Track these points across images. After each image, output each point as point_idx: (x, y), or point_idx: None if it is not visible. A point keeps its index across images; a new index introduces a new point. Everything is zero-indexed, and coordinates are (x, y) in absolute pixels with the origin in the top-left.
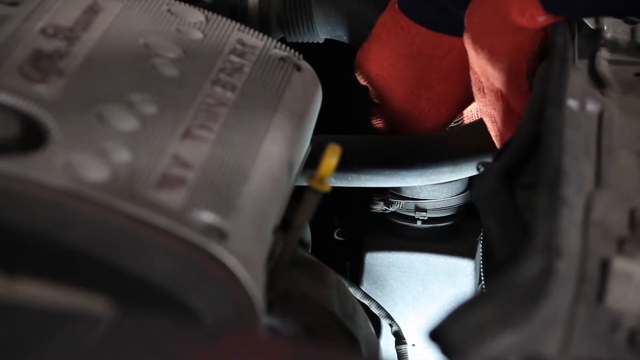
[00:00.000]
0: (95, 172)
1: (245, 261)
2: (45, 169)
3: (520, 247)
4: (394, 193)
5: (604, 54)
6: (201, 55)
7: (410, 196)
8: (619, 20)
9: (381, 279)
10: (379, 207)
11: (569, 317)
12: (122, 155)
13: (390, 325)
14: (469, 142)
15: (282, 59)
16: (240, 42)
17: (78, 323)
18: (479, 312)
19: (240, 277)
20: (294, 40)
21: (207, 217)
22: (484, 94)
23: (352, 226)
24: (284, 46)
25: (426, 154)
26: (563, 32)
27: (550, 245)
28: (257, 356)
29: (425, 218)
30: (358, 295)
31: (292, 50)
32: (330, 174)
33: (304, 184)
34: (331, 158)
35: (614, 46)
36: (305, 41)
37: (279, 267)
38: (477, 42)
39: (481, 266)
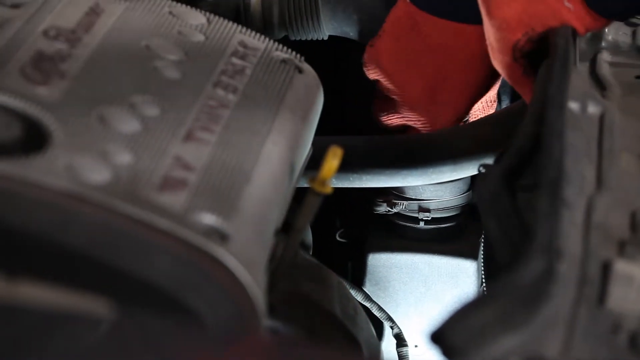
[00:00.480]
0: (96, 174)
1: (247, 263)
2: (46, 170)
3: (521, 248)
4: (397, 194)
5: (605, 57)
6: (203, 58)
7: (413, 197)
8: (621, 22)
9: (383, 280)
10: (382, 208)
11: (570, 318)
12: (124, 157)
13: (392, 327)
14: (470, 141)
15: (284, 61)
16: (242, 44)
17: (79, 324)
18: (480, 314)
19: (242, 279)
20: (298, 38)
21: (208, 219)
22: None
23: (354, 227)
24: (285, 48)
25: (427, 154)
26: (564, 35)
27: (551, 246)
28: (258, 358)
29: (428, 218)
30: (359, 297)
31: (294, 53)
32: (332, 176)
33: (306, 185)
34: (333, 160)
35: (615, 49)
36: (308, 39)
37: (280, 269)
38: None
39: (482, 268)
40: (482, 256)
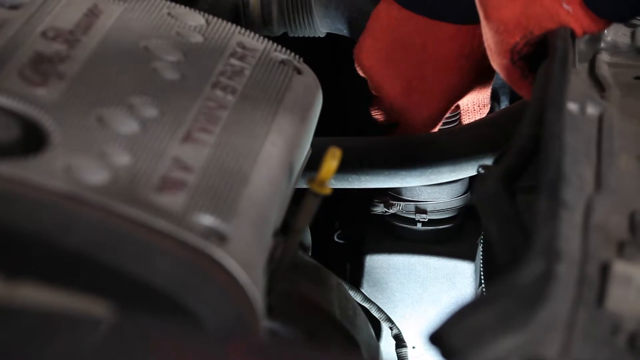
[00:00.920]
0: (95, 175)
1: (246, 264)
2: (45, 172)
3: (521, 250)
4: (394, 195)
5: (604, 57)
6: (201, 59)
7: (410, 198)
8: (619, 23)
9: (381, 282)
10: (379, 209)
11: (569, 320)
12: (123, 159)
13: (391, 328)
14: (469, 142)
15: (283, 62)
16: (241, 45)
17: (78, 326)
18: (480, 315)
19: (241, 280)
20: (296, 35)
21: (207, 220)
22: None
23: (352, 229)
24: (284, 49)
25: (426, 154)
26: (563, 35)
27: (550, 248)
28: (257, 359)
29: (425, 220)
30: (358, 298)
31: (293, 53)
32: (331, 177)
33: (305, 186)
34: (331, 161)
35: (614, 49)
36: (307, 35)
37: (279, 270)
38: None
39: (482, 269)
40: (481, 257)
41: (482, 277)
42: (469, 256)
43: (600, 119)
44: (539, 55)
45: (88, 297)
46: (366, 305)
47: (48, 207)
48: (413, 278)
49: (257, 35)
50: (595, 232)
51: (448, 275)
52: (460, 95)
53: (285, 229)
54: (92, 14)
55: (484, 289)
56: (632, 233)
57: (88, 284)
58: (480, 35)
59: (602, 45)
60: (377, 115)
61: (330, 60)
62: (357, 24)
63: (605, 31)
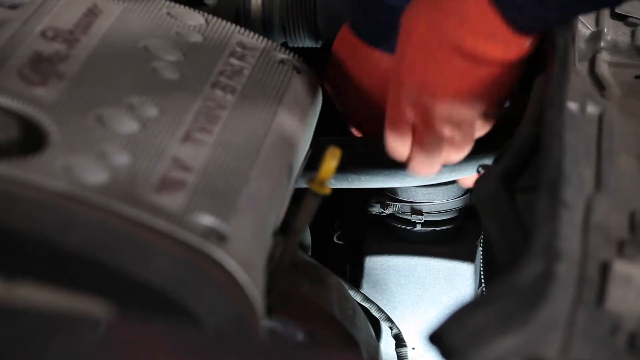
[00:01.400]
0: (94, 175)
1: (245, 264)
2: (44, 172)
3: (520, 250)
4: (390, 195)
5: (604, 57)
6: (201, 58)
7: (406, 199)
8: (620, 22)
9: (381, 283)
10: (376, 209)
11: (569, 319)
12: (122, 158)
13: (391, 328)
14: None
15: (282, 61)
16: (240, 44)
17: (78, 326)
18: (479, 315)
19: (240, 280)
20: (295, 45)
21: (206, 220)
22: None
23: (351, 230)
24: (283, 49)
25: None
26: (563, 35)
27: (550, 248)
28: (257, 359)
29: (421, 221)
30: (358, 298)
31: (292, 53)
32: (331, 177)
33: (304, 186)
34: (331, 161)
35: (614, 49)
36: (306, 46)
37: (279, 269)
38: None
39: (481, 269)
40: (480, 257)
41: (482, 278)
42: (469, 257)
43: (601, 118)
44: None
45: (88, 297)
46: (366, 305)
47: (47, 207)
48: (413, 279)
49: (256, 35)
50: (595, 231)
51: (448, 276)
52: None
53: (285, 229)
54: (92, 13)
55: (483, 289)
56: (632, 232)
57: (87, 284)
58: None
59: (602, 44)
60: (354, 131)
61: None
62: None
63: (605, 30)
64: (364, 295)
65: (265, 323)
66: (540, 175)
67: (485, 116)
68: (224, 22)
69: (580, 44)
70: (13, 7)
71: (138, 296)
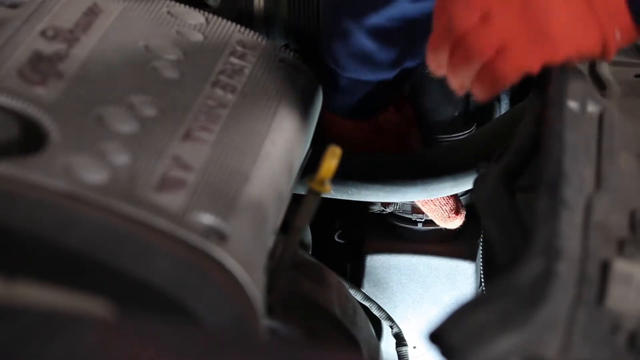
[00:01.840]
0: (94, 174)
1: (246, 263)
2: (45, 171)
3: (520, 249)
4: None
5: None
6: (201, 57)
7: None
8: None
9: (382, 281)
10: (377, 207)
11: (569, 319)
12: (122, 158)
13: (391, 327)
14: (469, 155)
15: (282, 60)
16: (241, 43)
17: (78, 326)
18: (480, 314)
19: (240, 279)
20: (298, 47)
21: (207, 219)
22: None
23: (352, 228)
24: (284, 48)
25: (427, 171)
26: None
27: (550, 247)
28: (257, 358)
29: (422, 220)
30: (359, 297)
31: (292, 53)
32: (331, 176)
33: (304, 188)
34: (331, 160)
35: None
36: (309, 48)
37: (279, 269)
38: None
39: (481, 268)
40: (481, 257)
41: (482, 277)
42: (470, 256)
43: (601, 117)
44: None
45: (87, 296)
46: (366, 304)
47: (47, 206)
48: (414, 278)
49: (257, 34)
50: (596, 230)
51: (449, 275)
52: None
53: (286, 228)
54: (92, 12)
55: (484, 289)
56: (632, 232)
57: (88, 284)
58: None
59: None
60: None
61: None
62: None
63: None
64: (365, 294)
65: (266, 322)
66: (541, 174)
67: None
68: (225, 21)
69: None
70: (13, 6)
71: (138, 296)
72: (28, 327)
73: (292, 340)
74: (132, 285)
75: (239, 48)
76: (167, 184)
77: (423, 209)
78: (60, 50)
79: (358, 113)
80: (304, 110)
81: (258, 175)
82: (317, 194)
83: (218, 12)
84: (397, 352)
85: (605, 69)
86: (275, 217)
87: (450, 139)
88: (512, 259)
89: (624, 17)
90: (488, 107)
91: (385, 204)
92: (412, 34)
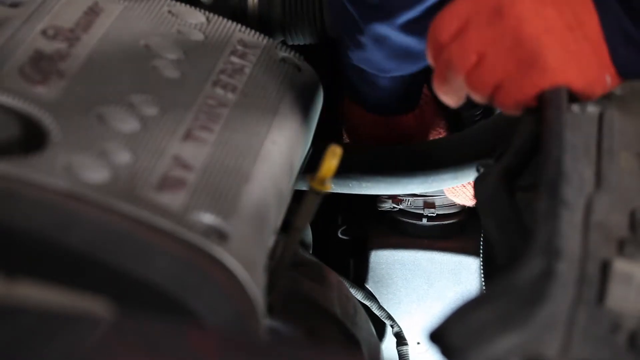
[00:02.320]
0: (95, 173)
1: (246, 262)
2: (45, 170)
3: (520, 249)
4: None
5: None
6: (202, 57)
7: (419, 193)
8: None
9: (386, 277)
10: (387, 205)
11: (569, 318)
12: (123, 157)
13: (392, 326)
14: (470, 148)
15: (283, 59)
16: (241, 43)
17: (78, 325)
18: (480, 314)
19: (241, 279)
20: (295, 43)
21: (207, 218)
22: None
23: (356, 225)
24: (284, 47)
25: (427, 162)
26: None
27: (550, 246)
28: (257, 358)
29: (434, 215)
30: (359, 296)
31: (293, 52)
32: (331, 175)
33: (305, 188)
34: (332, 159)
35: None
36: (306, 43)
37: (279, 268)
38: None
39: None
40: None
41: (482, 276)
42: (475, 251)
43: (601, 117)
44: None
45: (87, 295)
46: (367, 303)
47: (48, 205)
48: (418, 273)
49: (257, 33)
50: (596, 230)
51: (453, 270)
52: None
53: (286, 227)
54: (93, 12)
55: (484, 288)
56: (632, 231)
57: (88, 283)
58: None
59: None
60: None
61: (330, 58)
62: None
63: None
64: (365, 293)
65: (266, 322)
66: (541, 174)
67: None
68: (225, 20)
69: None
70: (14, 5)
71: (138, 295)
72: (28, 327)
73: (292, 339)
74: (133, 284)
75: (239, 47)
76: (167, 183)
77: (447, 192)
78: (61, 50)
79: (395, 108)
80: (305, 109)
81: (259, 175)
82: (318, 193)
83: (211, 9)
84: (398, 351)
85: None
86: (275, 217)
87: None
88: (512, 259)
89: (611, 64)
90: None
91: (397, 202)
92: None
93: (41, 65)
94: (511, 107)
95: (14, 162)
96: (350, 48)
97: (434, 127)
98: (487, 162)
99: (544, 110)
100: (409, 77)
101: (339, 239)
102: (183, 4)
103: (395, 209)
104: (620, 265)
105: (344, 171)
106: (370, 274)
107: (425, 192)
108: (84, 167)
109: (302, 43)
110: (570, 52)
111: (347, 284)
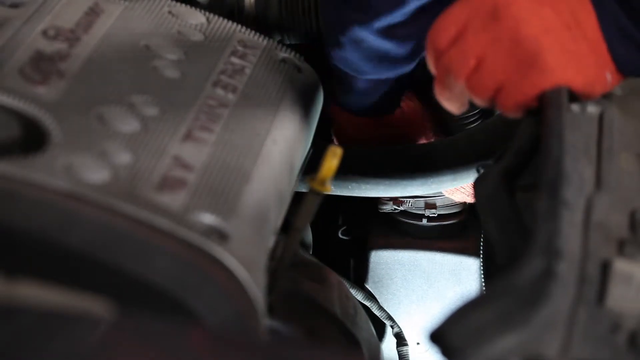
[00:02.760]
0: (95, 173)
1: (246, 263)
2: (46, 170)
3: (520, 249)
4: None
5: None
6: (202, 57)
7: (420, 194)
8: None
9: (386, 277)
10: (389, 207)
11: (569, 318)
12: (123, 157)
13: (392, 326)
14: (469, 150)
15: (283, 60)
16: (242, 43)
17: (79, 325)
18: (480, 314)
19: (241, 279)
20: (291, 42)
21: (207, 218)
22: None
23: (356, 225)
24: (285, 48)
25: (427, 164)
26: None
27: (550, 247)
28: (258, 358)
29: (435, 215)
30: (360, 297)
31: (293, 52)
32: (331, 176)
33: (305, 189)
34: (332, 160)
35: None
36: (303, 42)
37: (280, 268)
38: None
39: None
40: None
41: (482, 276)
42: (475, 251)
43: (601, 117)
44: None
45: (88, 295)
46: (367, 303)
47: (49, 206)
48: (418, 274)
49: (257, 34)
50: (596, 230)
51: (453, 270)
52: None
53: (287, 228)
54: (93, 12)
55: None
56: (632, 231)
57: (88, 283)
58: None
59: None
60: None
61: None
62: None
63: None
64: (365, 293)
65: (266, 322)
66: (541, 174)
67: None
68: (225, 20)
69: None
70: (14, 6)
71: (139, 295)
72: (28, 326)
73: (292, 339)
74: (133, 284)
75: (239, 48)
76: (167, 183)
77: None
78: (61, 50)
79: (375, 110)
80: (305, 109)
81: (259, 175)
82: (318, 193)
83: (208, 8)
84: (398, 351)
85: None
86: (276, 217)
87: (465, 119)
88: (512, 259)
89: (611, 62)
90: None
91: (398, 203)
92: (429, 21)
93: (41, 66)
94: (512, 108)
95: (14, 162)
96: (330, 47)
97: (422, 122)
98: (487, 163)
99: (544, 111)
100: (388, 81)
101: (339, 239)
102: (183, 5)
103: (396, 211)
104: (621, 266)
105: (343, 173)
106: (370, 274)
107: (427, 193)
108: (84, 167)
109: (298, 42)
110: (569, 52)
111: (347, 285)
